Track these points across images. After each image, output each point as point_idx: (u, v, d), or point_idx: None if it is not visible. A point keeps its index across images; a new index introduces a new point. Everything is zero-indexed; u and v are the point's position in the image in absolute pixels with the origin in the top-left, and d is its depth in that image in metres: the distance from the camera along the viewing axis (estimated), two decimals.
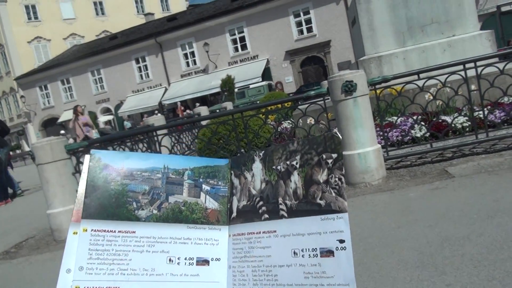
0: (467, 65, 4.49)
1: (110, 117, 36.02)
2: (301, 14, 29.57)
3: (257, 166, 0.67)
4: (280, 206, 0.64)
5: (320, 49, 29.41)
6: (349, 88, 4.27)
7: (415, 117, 5.15)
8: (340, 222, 0.63)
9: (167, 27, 33.35)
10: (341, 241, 0.62)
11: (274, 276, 0.62)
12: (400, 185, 4.11)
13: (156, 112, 28.41)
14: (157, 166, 0.68)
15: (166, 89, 33.40)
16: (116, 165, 0.68)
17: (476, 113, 4.76)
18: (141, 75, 34.70)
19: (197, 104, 27.45)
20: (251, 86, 26.88)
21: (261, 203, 0.66)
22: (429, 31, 7.41)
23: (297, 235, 0.63)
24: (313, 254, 0.61)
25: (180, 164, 0.70)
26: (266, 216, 0.65)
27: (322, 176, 0.62)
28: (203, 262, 0.66)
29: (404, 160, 4.81)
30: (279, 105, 7.01)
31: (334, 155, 0.62)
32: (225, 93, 27.14)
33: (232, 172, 0.70)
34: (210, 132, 5.77)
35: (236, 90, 27.07)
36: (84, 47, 39.06)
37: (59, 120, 36.63)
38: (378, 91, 4.75)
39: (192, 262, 0.66)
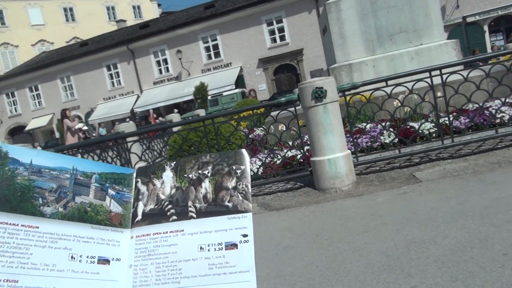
0: (433, 73, 4.62)
1: (80, 125, 35.26)
2: (274, 22, 29.81)
3: (168, 174, 0.75)
4: (190, 209, 0.72)
5: (293, 57, 29.69)
6: (319, 94, 4.32)
7: (384, 124, 5.25)
8: (244, 220, 0.71)
9: (140, 34, 33.02)
10: (245, 235, 0.70)
11: (179, 270, 0.69)
12: (369, 190, 4.17)
13: (128, 119, 28.04)
14: (66, 166, 0.71)
15: (138, 97, 32.99)
16: (24, 161, 0.69)
17: (442, 119, 4.88)
18: (112, 82, 34.17)
19: (175, 110, 27.24)
20: (224, 93, 26.83)
21: (170, 206, 0.73)
22: (398, 40, 7.58)
23: (205, 233, 0.71)
24: (219, 248, 0.69)
25: (89, 167, 0.73)
26: (175, 217, 0.72)
27: (231, 183, 0.73)
28: (104, 261, 0.69)
29: (373, 166, 4.88)
30: (251, 112, 7.02)
31: (242, 167, 0.73)
32: (198, 100, 27.01)
33: (139, 179, 0.76)
34: (181, 139, 5.72)
35: (209, 97, 26.98)
36: (53, 53, 38.22)
37: (27, 128, 35.65)
38: (348, 98, 4.82)
39: (94, 261, 0.68)
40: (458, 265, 2.28)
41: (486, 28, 26.34)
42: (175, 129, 6.01)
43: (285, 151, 5.17)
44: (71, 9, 44.15)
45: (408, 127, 5.08)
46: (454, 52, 7.35)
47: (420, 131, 5.00)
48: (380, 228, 3.09)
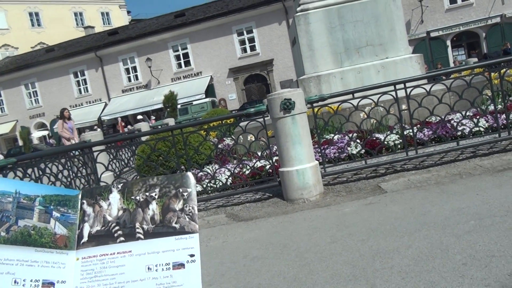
0: (398, 86, 4.75)
1: (45, 133, 34.33)
2: (245, 32, 30.02)
3: (115, 196, 0.76)
4: (137, 230, 0.73)
5: (263, 68, 29.92)
6: (288, 106, 4.37)
7: (351, 135, 5.35)
8: (191, 241, 0.73)
9: (108, 41, 32.55)
10: (192, 255, 0.72)
11: None
12: (337, 201, 4.23)
13: (96, 127, 27.49)
14: (8, 190, 0.70)
15: (106, 104, 32.43)
16: None
17: (407, 131, 5.02)
18: (79, 90, 33.48)
19: (152, 117, 26.86)
20: (194, 102, 26.72)
21: (117, 227, 0.74)
22: (364, 53, 7.76)
23: (152, 253, 0.72)
24: (166, 268, 0.71)
25: (32, 190, 0.73)
26: (122, 239, 0.73)
27: (178, 205, 0.75)
28: (49, 284, 0.69)
29: (341, 176, 4.96)
30: (220, 122, 7.02)
31: (189, 190, 0.75)
32: (168, 109, 26.79)
33: (85, 201, 0.76)
34: (149, 149, 5.66)
35: (179, 106, 26.82)
36: (17, 59, 37.12)
37: None
38: (316, 109, 4.89)
39: (38, 284, 0.68)
40: (420, 275, 2.34)
41: (448, 43, 27.37)
42: (143, 138, 5.94)
43: (254, 161, 5.19)
44: (37, 14, 43.10)
45: (374, 138, 5.20)
46: (418, 66, 7.59)
47: (385, 142, 5.11)
48: (347, 239, 3.13)
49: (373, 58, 7.72)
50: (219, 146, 6.47)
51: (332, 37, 7.82)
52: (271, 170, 4.98)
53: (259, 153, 5.35)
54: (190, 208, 0.75)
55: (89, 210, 0.76)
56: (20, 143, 32.94)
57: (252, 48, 30.08)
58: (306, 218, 3.89)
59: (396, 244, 2.84)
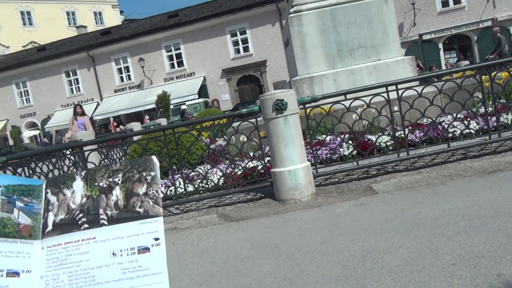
0: (389, 88, 4.77)
1: (36, 132, 34.06)
2: (238, 33, 30.02)
3: (78, 184, 0.76)
4: (101, 216, 0.74)
5: (256, 68, 29.94)
6: (280, 107, 4.37)
7: (343, 136, 5.36)
8: (156, 225, 0.73)
9: (101, 41, 32.38)
10: (156, 239, 0.73)
11: (92, 277, 0.70)
12: (328, 201, 4.24)
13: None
14: None
15: (98, 104, 32.25)
16: None
17: (398, 133, 5.04)
18: (71, 89, 33.26)
19: (147, 116, 26.74)
20: (187, 102, 26.68)
21: (81, 215, 0.74)
22: (357, 55, 7.80)
23: (117, 239, 0.72)
24: (131, 252, 0.71)
25: None
26: (86, 226, 0.74)
27: (141, 189, 0.75)
28: (13, 274, 0.68)
29: (332, 177, 4.97)
30: (212, 122, 7.01)
31: (153, 173, 0.75)
32: (161, 109, 26.71)
33: (49, 190, 0.76)
34: (141, 149, 5.63)
35: (172, 106, 26.75)
36: (8, 57, 36.79)
37: None
38: (308, 110, 4.90)
39: (2, 274, 0.68)
40: (410, 275, 2.35)
41: (441, 45, 27.57)
42: (135, 138, 5.91)
43: (246, 162, 5.19)
44: (28, 13, 42.79)
45: (366, 139, 5.22)
46: (410, 68, 7.64)
47: (377, 143, 5.14)
48: (338, 239, 3.14)
49: (366, 60, 7.75)
50: (211, 146, 6.46)
51: (325, 39, 7.85)
52: (263, 171, 4.98)
53: (251, 154, 5.35)
54: (154, 191, 0.75)
55: (53, 199, 0.76)
56: (11, 142, 32.64)
57: (246, 49, 30.09)
58: (298, 218, 3.89)
59: (387, 245, 2.85)
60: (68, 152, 6.01)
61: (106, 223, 0.74)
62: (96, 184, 0.76)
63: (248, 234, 3.73)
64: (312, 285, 2.47)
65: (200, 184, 5.02)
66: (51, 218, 0.74)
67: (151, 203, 0.74)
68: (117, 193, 0.75)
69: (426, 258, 2.53)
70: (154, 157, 0.77)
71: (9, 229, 0.70)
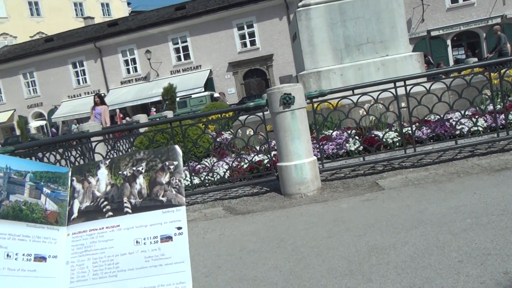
0: (398, 84, 4.75)
1: (42, 123, 34.22)
2: (245, 27, 29.94)
3: (103, 172, 0.77)
4: (125, 204, 0.75)
5: (263, 62, 29.87)
6: (287, 100, 4.36)
7: (349, 131, 5.35)
8: (178, 214, 0.74)
9: (108, 32, 32.40)
10: (179, 228, 0.74)
11: (116, 264, 0.71)
12: (334, 196, 4.24)
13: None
14: None
15: (104, 95, 32.30)
16: None
17: (405, 129, 5.02)
18: (78, 80, 33.36)
19: (153, 109, 26.79)
20: (193, 95, 26.68)
21: (105, 203, 0.76)
22: (365, 50, 7.76)
23: (140, 227, 0.73)
24: (154, 241, 0.73)
25: (22, 166, 0.73)
26: (110, 213, 0.75)
27: (165, 178, 0.76)
28: (40, 259, 0.70)
29: (339, 172, 4.97)
30: (219, 115, 7.01)
31: (175, 162, 0.76)
32: (166, 101, 26.72)
33: (74, 178, 0.77)
34: (148, 140, 5.65)
35: (177, 99, 26.76)
36: (16, 48, 36.92)
37: None
38: (315, 105, 4.89)
39: (30, 258, 0.69)
40: (416, 271, 2.35)
41: (449, 42, 27.36)
42: (142, 130, 5.93)
43: (252, 155, 5.19)
44: (36, 3, 42.82)
45: (372, 135, 5.20)
46: (418, 64, 7.59)
47: (384, 139, 5.12)
48: (343, 234, 3.14)
49: (374, 55, 7.71)
50: (218, 139, 6.47)
51: (333, 33, 7.81)
52: (269, 165, 4.98)
53: (258, 148, 5.35)
54: (177, 181, 0.76)
55: (78, 186, 0.77)
56: (18, 132, 32.81)
57: (252, 42, 30.01)
58: (303, 213, 3.90)
59: (393, 241, 2.85)
60: (75, 143, 6.03)
61: (130, 211, 0.75)
62: (120, 172, 0.77)
63: (253, 227, 3.74)
64: (318, 279, 2.48)
65: (206, 177, 5.03)
66: (76, 205, 0.76)
67: (174, 192, 0.75)
68: (140, 182, 0.76)
69: (432, 255, 2.53)
70: (177, 147, 0.78)
71: (37, 215, 0.71)
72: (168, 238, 0.73)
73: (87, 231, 0.74)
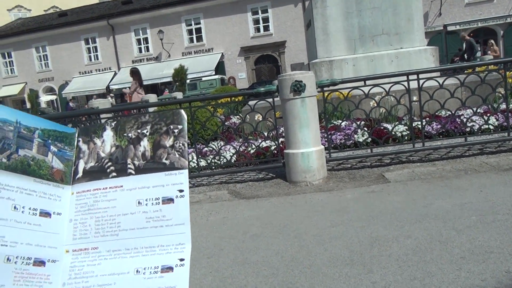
0: (410, 77, 4.70)
1: (53, 97, 34.38)
2: (259, 12, 29.67)
3: (108, 134, 0.79)
4: (129, 166, 0.77)
5: (275, 49, 29.66)
6: (298, 88, 4.34)
7: (358, 122, 5.32)
8: (181, 177, 0.76)
9: (121, 10, 32.27)
10: (181, 191, 0.75)
11: (118, 223, 0.73)
12: (339, 186, 4.24)
13: (111, 95, 27.35)
14: (9, 119, 0.72)
15: (115, 73, 32.36)
16: None
17: (415, 123, 4.99)
18: (89, 57, 33.37)
19: (166, 90, 26.75)
20: (203, 78, 26.62)
21: (109, 163, 0.77)
22: (379, 42, 7.67)
23: (143, 188, 0.75)
24: (156, 202, 0.74)
25: (31, 122, 0.75)
26: (114, 174, 0.76)
27: (168, 142, 0.77)
28: (46, 214, 0.72)
29: (345, 163, 4.96)
30: (229, 99, 7.00)
31: (180, 126, 0.77)
32: (177, 83, 26.69)
33: (80, 139, 0.79)
34: None
35: (188, 81, 26.71)
36: (29, 21, 36.95)
37: None
38: (326, 94, 4.86)
39: (36, 213, 0.71)
40: (417, 265, 2.36)
41: None
42: (150, 109, 5.94)
43: (260, 141, 5.19)
44: None
45: (382, 128, 5.17)
46: (432, 58, 7.50)
47: (393, 132, 5.09)
48: (346, 224, 3.15)
49: (388, 47, 7.63)
50: (226, 123, 6.47)
51: (348, 23, 7.73)
52: (276, 151, 4.98)
53: (266, 133, 5.34)
54: (181, 144, 0.77)
55: (84, 147, 0.79)
56: (28, 105, 33.02)
57: (266, 28, 29.78)
58: (308, 201, 3.90)
59: (396, 233, 2.85)
60: (84, 119, 6.06)
61: (133, 172, 0.76)
62: (125, 134, 0.78)
63: (257, 212, 3.75)
64: (319, 267, 2.49)
65: (213, 160, 5.04)
66: (81, 165, 0.77)
67: (177, 155, 0.76)
68: (145, 144, 0.77)
69: (434, 250, 2.52)
70: (182, 111, 0.79)
71: (44, 171, 0.73)
72: (170, 200, 0.75)
73: (91, 190, 0.76)
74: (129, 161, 0.77)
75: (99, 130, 0.80)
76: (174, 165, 0.76)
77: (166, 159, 0.77)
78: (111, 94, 25.69)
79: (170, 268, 0.74)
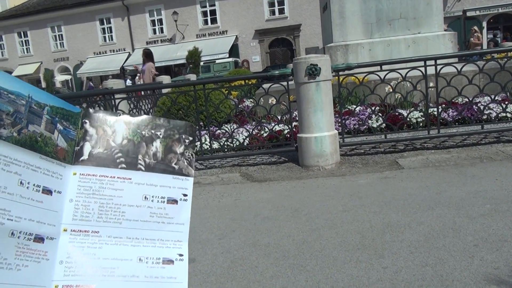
0: (428, 63, 4.62)
1: (68, 77, 34.62)
2: None
3: (121, 125, 0.80)
4: (139, 161, 0.79)
5: (290, 32, 29.36)
6: (313, 71, 4.30)
7: (373, 108, 5.26)
8: (186, 183, 0.81)
9: None
10: (185, 195, 0.80)
11: (122, 213, 0.76)
12: (352, 172, 4.22)
13: (129, 77, 27.44)
14: (22, 92, 0.72)
15: (129, 54, 32.40)
16: None
17: (431, 109, 4.92)
18: (104, 37, 33.43)
19: (186, 75, 26.75)
20: (217, 61, 26.53)
21: (120, 154, 0.79)
22: (396, 26, 7.54)
23: (150, 185, 0.79)
24: (161, 200, 0.79)
25: (42, 98, 0.75)
26: (123, 166, 0.78)
27: (179, 149, 0.81)
28: (47, 191, 0.73)
29: (359, 148, 4.93)
30: (243, 82, 6.97)
31: (191, 138, 0.82)
32: (190, 65, 26.65)
33: (87, 121, 0.80)
34: (170, 102, 5.67)
35: (201, 63, 26.65)
36: (45, 0, 37.08)
37: (13, 74, 34.80)
38: (341, 78, 4.81)
39: (39, 189, 0.72)
40: (429, 251, 2.35)
41: (484, 24, 26.33)
42: (164, 91, 5.94)
43: (273, 124, 5.17)
44: None
45: (396, 113, 5.11)
46: (450, 44, 7.36)
47: (408, 119, 5.03)
48: (359, 209, 3.14)
49: (405, 32, 7.50)
50: (239, 106, 6.45)
51: (365, 6, 7.60)
52: (289, 135, 4.97)
53: (279, 117, 5.32)
54: (190, 154, 0.81)
55: (92, 131, 0.79)
56: (43, 85, 33.32)
57: (281, 11, 29.44)
58: (320, 185, 3.90)
59: (408, 220, 2.84)
60: (98, 99, 6.10)
61: (143, 168, 0.79)
62: (139, 131, 0.80)
63: (269, 195, 3.76)
64: (330, 251, 2.50)
65: (226, 143, 5.05)
66: (87, 148, 0.78)
67: (186, 163, 0.81)
68: (157, 145, 0.80)
69: (447, 237, 2.51)
70: (193, 125, 0.85)
71: (49, 149, 0.73)
72: (174, 201, 0.79)
73: (97, 175, 0.77)
74: (140, 157, 0.80)
75: (110, 119, 0.81)
76: (182, 171, 0.80)
77: (175, 164, 0.81)
78: (130, 76, 25.70)
79: (171, 261, 0.78)
